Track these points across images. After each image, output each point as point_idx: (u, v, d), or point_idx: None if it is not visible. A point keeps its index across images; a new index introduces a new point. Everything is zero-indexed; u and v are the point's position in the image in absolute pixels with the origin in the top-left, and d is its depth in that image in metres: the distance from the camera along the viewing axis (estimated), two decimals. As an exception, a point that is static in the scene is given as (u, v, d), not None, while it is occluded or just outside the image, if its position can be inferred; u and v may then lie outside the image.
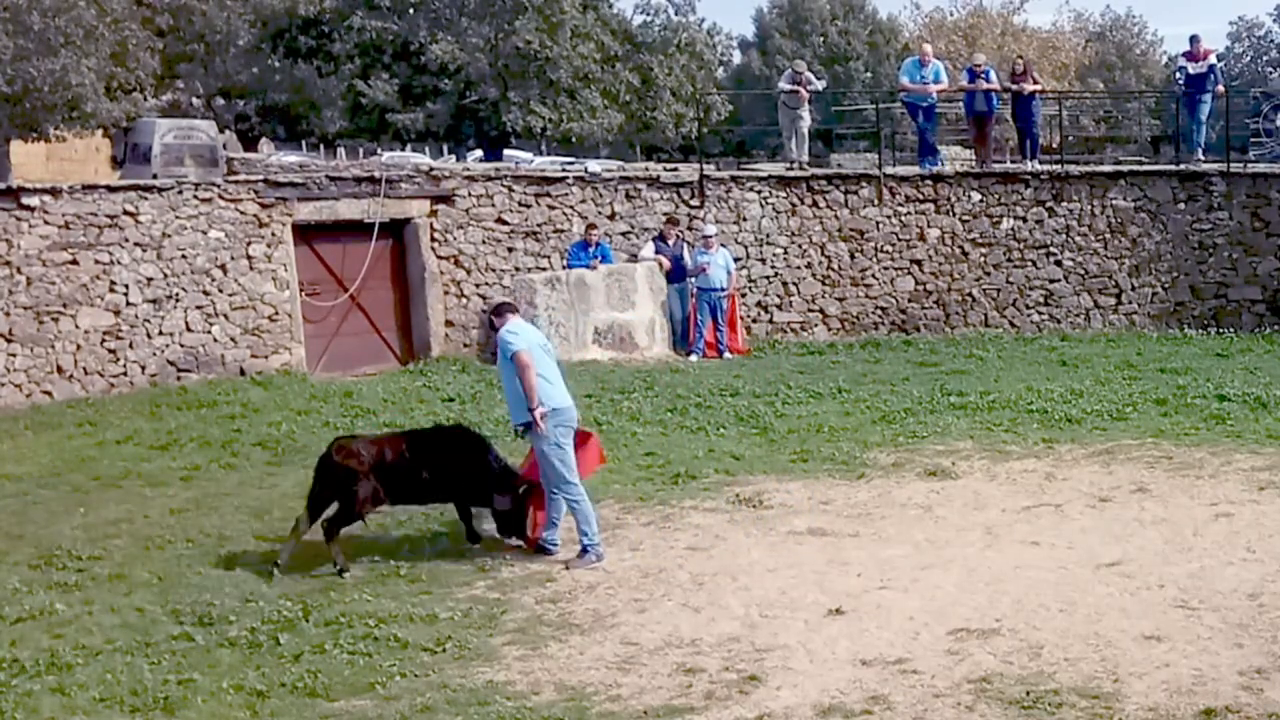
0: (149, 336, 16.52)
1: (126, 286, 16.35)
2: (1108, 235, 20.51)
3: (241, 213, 17.28)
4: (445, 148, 42.46)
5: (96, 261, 16.16)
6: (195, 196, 16.95)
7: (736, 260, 19.37)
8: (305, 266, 17.97)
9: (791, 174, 20.55)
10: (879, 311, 20.25)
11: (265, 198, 17.48)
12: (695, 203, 19.87)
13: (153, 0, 33.58)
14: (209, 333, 16.96)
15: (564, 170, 21.46)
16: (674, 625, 8.25)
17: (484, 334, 18.72)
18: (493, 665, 7.65)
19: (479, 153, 40.86)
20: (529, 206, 19.14)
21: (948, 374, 16.77)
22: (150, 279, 16.54)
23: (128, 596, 8.91)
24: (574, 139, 41.49)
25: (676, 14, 42.90)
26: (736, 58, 55.57)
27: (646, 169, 22.42)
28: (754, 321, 19.90)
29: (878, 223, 20.25)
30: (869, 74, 51.45)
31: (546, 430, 9.40)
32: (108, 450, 13.33)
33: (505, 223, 19.02)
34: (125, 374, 16.32)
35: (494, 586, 9.09)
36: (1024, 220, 20.51)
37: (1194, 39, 21.82)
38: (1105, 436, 13.19)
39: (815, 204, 20.17)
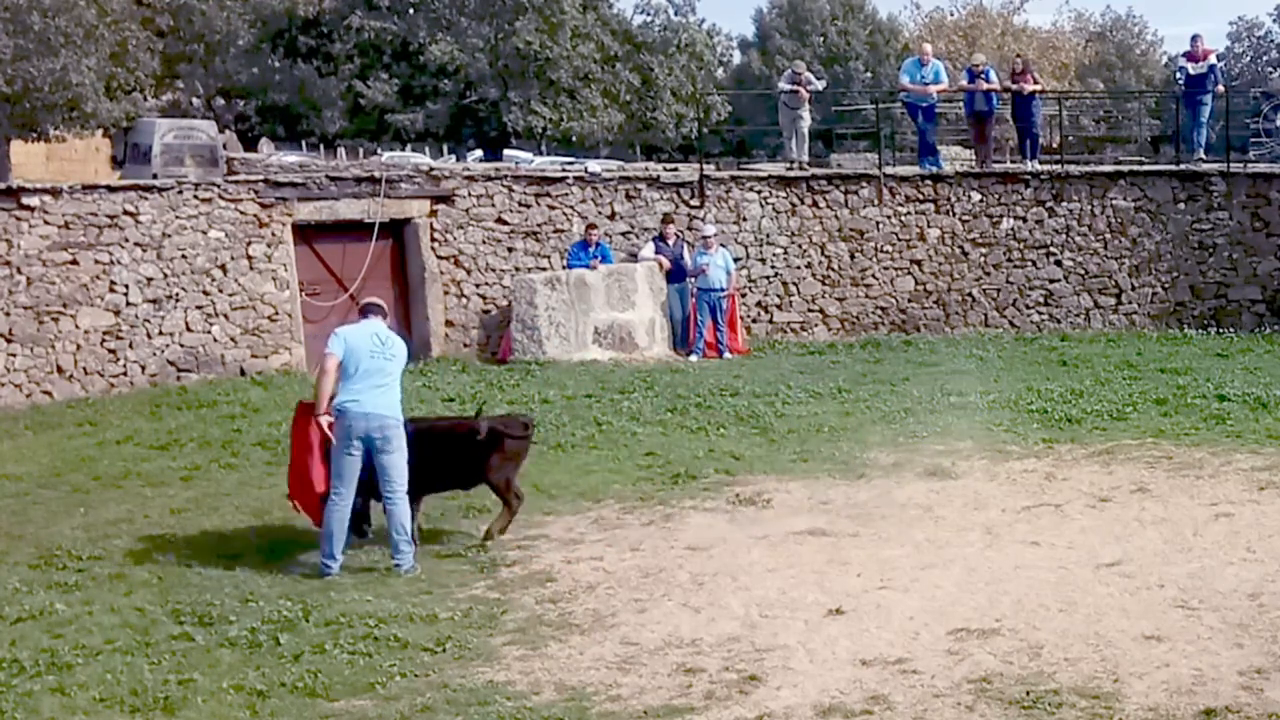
0: (149, 336, 16.52)
1: (126, 286, 16.35)
2: (1108, 235, 20.51)
3: (241, 213, 17.28)
4: (445, 148, 42.52)
5: (96, 261, 16.16)
6: (195, 196, 16.96)
7: (736, 260, 19.36)
8: (305, 266, 17.97)
9: (791, 174, 20.55)
10: (879, 311, 20.25)
11: (265, 198, 17.49)
12: (695, 203, 19.87)
13: (153, 0, 33.59)
14: (209, 333, 16.96)
15: (564, 170, 21.46)
16: (674, 625, 8.25)
17: (483, 334, 18.75)
18: (493, 665, 7.64)
19: (479, 153, 40.92)
20: (529, 206, 19.14)
21: (948, 374, 16.76)
22: (150, 279, 16.54)
23: (128, 596, 8.90)
24: (574, 139, 41.56)
25: (676, 14, 43.00)
26: (736, 58, 55.63)
27: (646, 169, 22.41)
28: (754, 321, 19.90)
29: (878, 223, 20.25)
30: (869, 74, 51.46)
31: (333, 436, 9.28)
32: (108, 450, 13.33)
33: (505, 223, 19.02)
34: (125, 374, 16.32)
35: (494, 586, 9.09)
36: (1024, 220, 20.51)
37: (1194, 39, 21.82)
38: (1105, 436, 13.19)
39: (815, 204, 20.17)
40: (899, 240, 20.28)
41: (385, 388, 9.33)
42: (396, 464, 9.35)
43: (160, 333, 16.62)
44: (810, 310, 20.14)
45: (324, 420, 9.26)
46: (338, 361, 9.23)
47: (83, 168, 32.11)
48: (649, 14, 42.88)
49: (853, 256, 20.20)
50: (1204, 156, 21.32)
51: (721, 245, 19.04)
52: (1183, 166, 21.00)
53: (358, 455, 9.28)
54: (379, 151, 39.17)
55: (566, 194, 19.34)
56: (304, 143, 42.25)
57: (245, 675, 7.47)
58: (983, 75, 21.17)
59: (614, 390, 15.66)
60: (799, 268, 20.10)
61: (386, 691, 7.24)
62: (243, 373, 16.99)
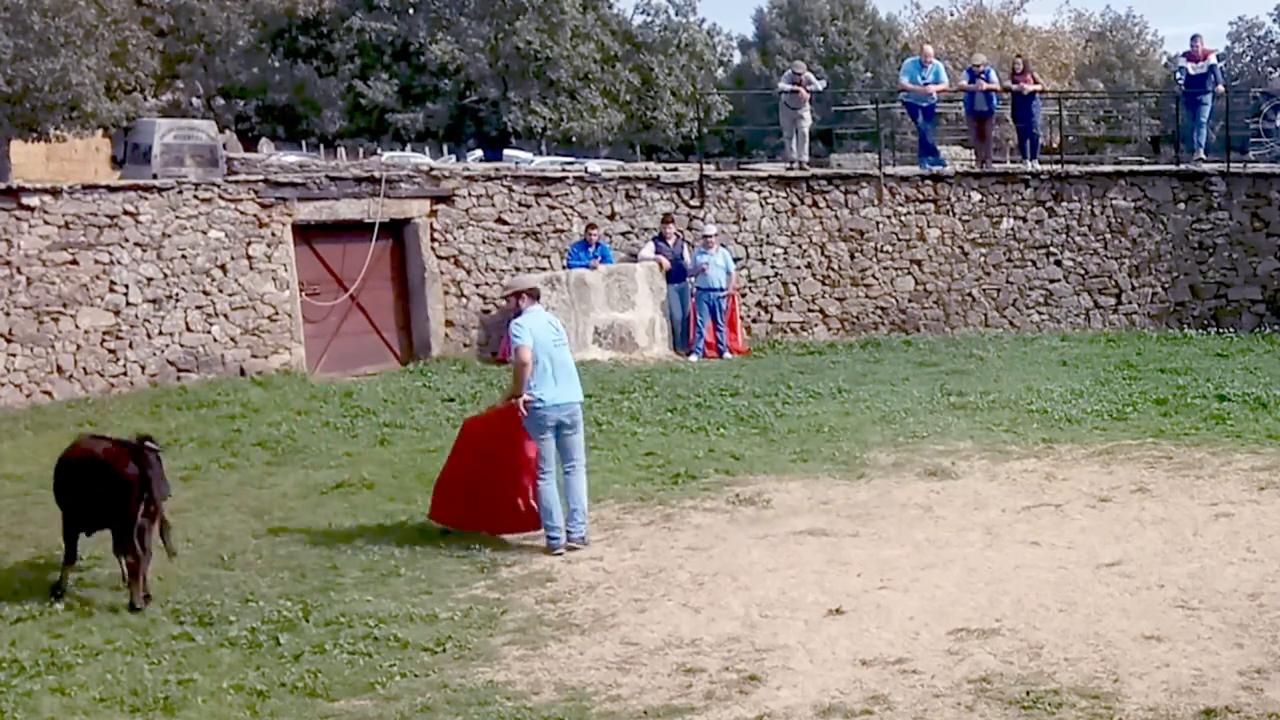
0: (149, 336, 16.51)
1: (126, 286, 16.34)
2: (1108, 235, 20.51)
3: (241, 213, 17.27)
4: (445, 148, 42.51)
5: (96, 261, 16.15)
6: (195, 196, 16.94)
7: (736, 260, 19.36)
8: (305, 266, 17.95)
9: (791, 174, 20.54)
10: (879, 311, 20.24)
11: (265, 198, 17.48)
12: (695, 203, 19.87)
13: (153, 0, 33.61)
14: (209, 333, 16.95)
15: (564, 170, 21.45)
16: (674, 625, 8.25)
17: (484, 333, 18.73)
18: (493, 665, 7.65)
19: (479, 153, 40.92)
20: (529, 206, 19.14)
21: (948, 374, 16.76)
22: (150, 279, 16.53)
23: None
24: (574, 139, 41.53)
25: (676, 14, 42.96)
26: (736, 58, 55.62)
27: (646, 169, 22.41)
28: (754, 321, 19.89)
29: (878, 223, 20.24)
30: (869, 74, 51.45)
31: (525, 416, 9.79)
32: (107, 450, 13.29)
33: (505, 223, 19.02)
34: (125, 374, 16.31)
35: (494, 586, 9.09)
36: (1024, 220, 20.50)
37: (1194, 39, 21.82)
38: (1105, 436, 13.19)
39: (815, 204, 20.17)
40: (899, 240, 20.28)
41: (570, 372, 9.95)
42: (579, 442, 10.02)
43: (160, 333, 16.60)
44: (810, 310, 20.14)
45: (523, 400, 9.67)
46: (530, 349, 9.68)
47: (83, 168, 32.13)
48: (649, 14, 42.88)
49: (853, 256, 20.19)
50: (1204, 156, 21.30)
51: (721, 245, 19.05)
52: (1182, 166, 20.98)
53: (554, 438, 9.87)
54: (379, 151, 39.16)
55: (566, 194, 19.33)
56: (304, 143, 42.23)
57: (245, 675, 7.48)
58: (983, 75, 21.16)
59: (614, 390, 15.67)
60: (799, 268, 20.10)
61: (386, 691, 7.25)
62: (243, 373, 16.97)
